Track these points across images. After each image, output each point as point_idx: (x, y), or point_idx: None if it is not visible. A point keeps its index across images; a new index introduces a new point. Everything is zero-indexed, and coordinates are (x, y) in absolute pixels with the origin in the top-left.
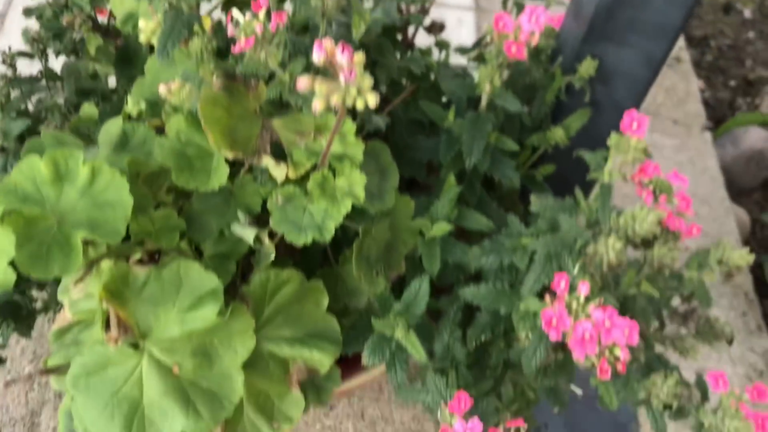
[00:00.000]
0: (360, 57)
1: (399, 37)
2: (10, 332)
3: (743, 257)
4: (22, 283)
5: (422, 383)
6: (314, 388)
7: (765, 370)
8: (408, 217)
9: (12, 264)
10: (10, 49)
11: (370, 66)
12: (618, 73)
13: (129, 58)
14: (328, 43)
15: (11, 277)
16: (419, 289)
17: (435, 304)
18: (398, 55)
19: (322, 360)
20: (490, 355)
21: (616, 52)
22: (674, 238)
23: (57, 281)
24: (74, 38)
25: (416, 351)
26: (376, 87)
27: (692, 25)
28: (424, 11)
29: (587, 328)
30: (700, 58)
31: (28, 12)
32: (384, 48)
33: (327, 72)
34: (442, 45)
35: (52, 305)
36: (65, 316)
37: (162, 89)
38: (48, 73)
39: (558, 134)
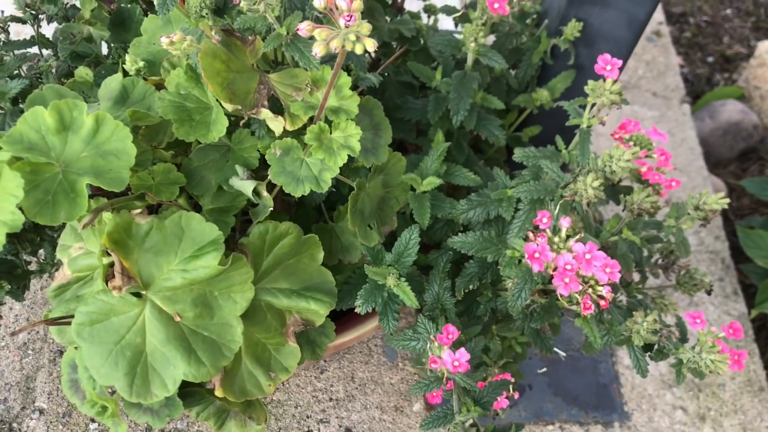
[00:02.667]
0: (359, 3)
1: (389, 0)
2: (4, 294)
3: (719, 202)
4: (19, 239)
5: (413, 331)
6: (309, 343)
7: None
8: (399, 174)
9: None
10: (2, 13)
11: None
12: (602, 35)
13: (123, 21)
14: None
15: (20, 219)
16: (410, 240)
17: (425, 259)
18: (388, 19)
19: (318, 311)
20: (478, 304)
21: (601, 14)
22: (655, 191)
23: (52, 244)
24: (66, 3)
25: (408, 297)
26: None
27: (672, 1)
28: None
29: (568, 260)
30: (679, 35)
31: None
32: (375, 10)
33: (325, 23)
34: (431, 9)
35: (47, 267)
36: (64, 273)
37: (164, 41)
38: (40, 38)
39: (543, 95)
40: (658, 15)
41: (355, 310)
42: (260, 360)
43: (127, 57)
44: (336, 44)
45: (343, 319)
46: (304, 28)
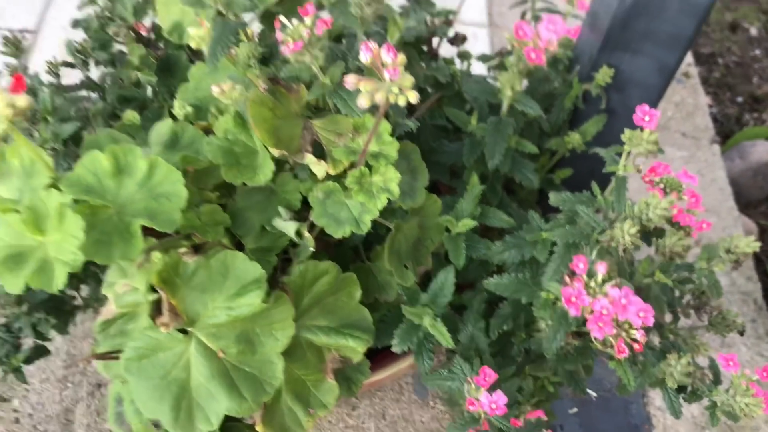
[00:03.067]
0: (402, 57)
1: (425, 48)
2: (49, 328)
3: (750, 245)
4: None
5: (448, 371)
6: (345, 380)
7: None
8: (435, 215)
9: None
10: (55, 58)
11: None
12: (632, 81)
13: (170, 67)
14: (374, 44)
15: (80, 259)
16: (445, 281)
17: (459, 299)
18: (424, 65)
19: (356, 348)
20: (512, 345)
21: (631, 61)
22: (686, 233)
23: (96, 280)
24: (113, 50)
25: (443, 337)
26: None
27: (700, 42)
28: (448, 23)
29: (605, 304)
30: (707, 75)
31: (76, 23)
32: (411, 58)
33: (366, 73)
34: (465, 55)
35: (92, 303)
36: (110, 309)
37: (215, 90)
38: (89, 82)
39: (575, 139)
40: (687, 56)
41: (392, 349)
42: (300, 396)
43: (176, 102)
44: (381, 96)
45: (377, 356)
46: (351, 81)
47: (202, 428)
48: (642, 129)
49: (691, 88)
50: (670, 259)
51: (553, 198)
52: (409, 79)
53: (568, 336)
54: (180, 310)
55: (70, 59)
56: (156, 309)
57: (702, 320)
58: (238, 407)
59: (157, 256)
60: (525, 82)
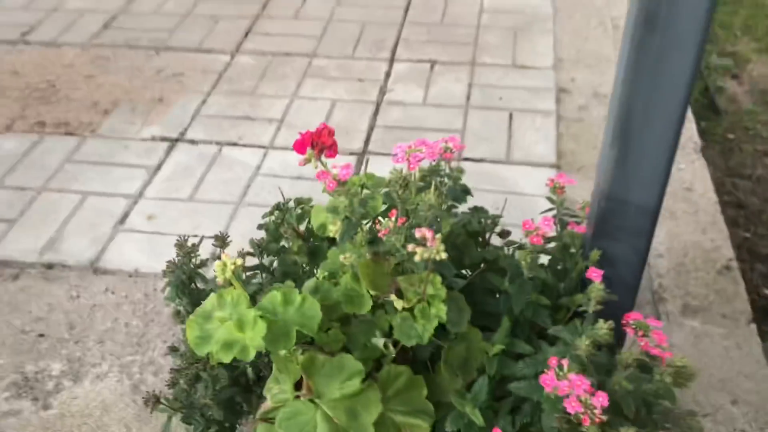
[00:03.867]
0: (439, 238)
1: (480, 239)
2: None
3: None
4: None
5: None
6: None
7: None
8: (478, 342)
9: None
10: (243, 249)
11: (461, 255)
12: (617, 258)
13: (316, 252)
14: (425, 231)
15: (263, 346)
16: (482, 384)
17: (494, 405)
18: (479, 249)
19: (422, 426)
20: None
21: (613, 245)
22: (654, 361)
23: (258, 397)
24: (281, 245)
25: (478, 419)
26: (462, 267)
27: (754, 242)
28: (495, 224)
29: (566, 384)
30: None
31: (260, 227)
32: (468, 245)
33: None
34: (510, 243)
35: (253, 411)
36: (267, 404)
37: (342, 258)
38: (263, 266)
39: (579, 299)
40: (729, 251)
41: (446, 428)
42: None
43: (318, 271)
44: (425, 254)
45: None
46: (410, 247)
47: None
48: None
49: (732, 279)
50: (626, 368)
51: (553, 330)
52: (441, 248)
53: (560, 420)
54: (313, 388)
55: (250, 250)
56: (297, 388)
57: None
58: None
59: (300, 356)
60: (545, 260)
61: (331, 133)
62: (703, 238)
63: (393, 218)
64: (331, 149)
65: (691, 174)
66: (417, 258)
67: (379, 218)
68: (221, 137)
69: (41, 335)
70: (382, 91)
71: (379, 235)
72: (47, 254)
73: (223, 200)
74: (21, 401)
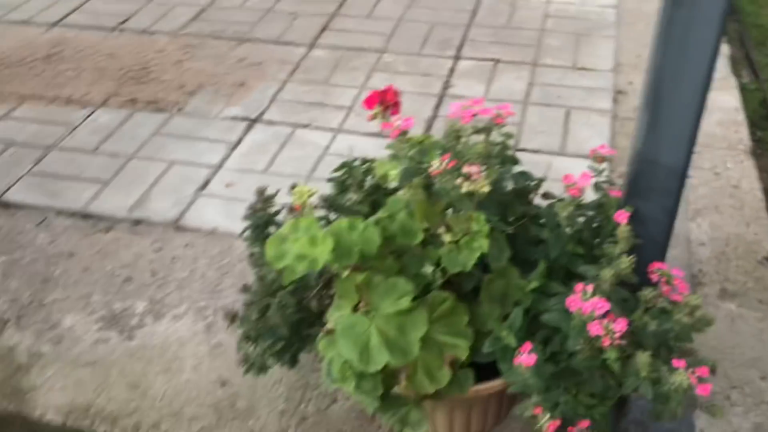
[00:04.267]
0: (485, 173)
1: (524, 197)
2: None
3: None
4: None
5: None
6: (457, 380)
7: None
8: (515, 278)
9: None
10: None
11: (506, 209)
12: (647, 217)
13: (376, 204)
14: (472, 167)
15: (330, 260)
16: (517, 314)
17: (527, 337)
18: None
19: (461, 346)
20: (558, 362)
21: (644, 205)
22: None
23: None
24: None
25: (512, 341)
26: (506, 221)
27: None
28: (538, 186)
29: (590, 305)
30: None
31: (330, 180)
32: (515, 201)
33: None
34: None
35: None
36: (329, 326)
37: (401, 193)
38: (328, 220)
39: (611, 249)
40: None
41: (483, 349)
42: (428, 371)
43: (379, 213)
44: (470, 186)
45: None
46: (459, 181)
47: (371, 368)
48: None
49: None
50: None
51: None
52: (485, 182)
53: (586, 344)
54: (368, 303)
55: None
56: (355, 308)
57: None
58: (391, 361)
59: (359, 277)
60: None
61: (395, 93)
62: (746, 230)
63: (445, 161)
64: (395, 107)
65: (739, 173)
66: (463, 189)
67: (433, 162)
68: (295, 120)
69: (128, 279)
70: (445, 86)
71: (432, 173)
72: (136, 211)
73: (295, 174)
74: (109, 332)
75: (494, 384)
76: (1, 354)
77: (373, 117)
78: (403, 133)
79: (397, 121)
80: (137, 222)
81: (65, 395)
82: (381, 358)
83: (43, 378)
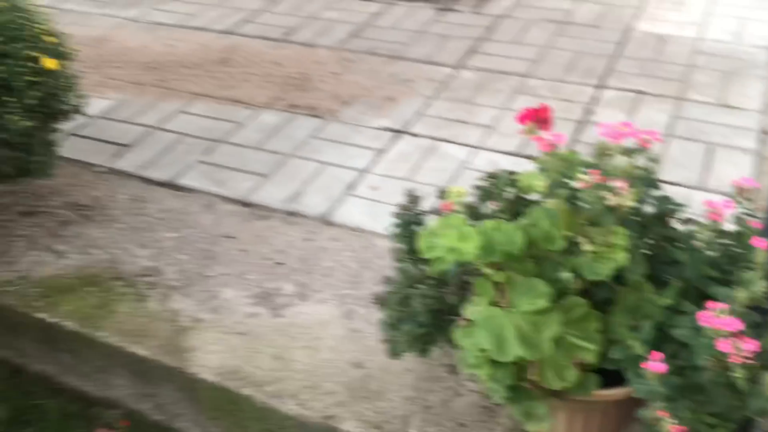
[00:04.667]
0: (627, 187)
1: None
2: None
3: None
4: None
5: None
6: (582, 382)
7: None
8: (649, 293)
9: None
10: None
11: (645, 229)
12: None
13: (518, 214)
14: (621, 182)
15: (477, 254)
16: (646, 326)
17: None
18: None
19: (590, 349)
20: (686, 377)
21: None
22: None
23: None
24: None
25: (639, 349)
26: (644, 241)
27: None
28: (680, 210)
29: (721, 323)
30: None
31: (476, 188)
32: (654, 222)
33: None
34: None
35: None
36: (464, 320)
37: (549, 204)
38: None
39: (748, 276)
40: None
41: (610, 355)
42: (557, 369)
43: (524, 220)
44: (616, 201)
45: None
46: (605, 194)
47: (505, 358)
48: None
49: None
50: None
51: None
52: (630, 197)
53: (714, 360)
54: (509, 300)
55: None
56: (495, 302)
57: None
58: (523, 354)
59: (501, 275)
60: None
61: (548, 110)
62: None
63: (594, 176)
64: (546, 123)
65: None
66: (607, 203)
67: (580, 176)
68: (438, 134)
69: (279, 263)
70: (587, 113)
71: (580, 186)
72: (290, 204)
73: (434, 183)
74: (260, 307)
75: (617, 392)
76: (169, 315)
77: (527, 132)
78: (553, 147)
79: (548, 136)
80: (291, 213)
81: (218, 358)
82: (514, 350)
83: (201, 341)
